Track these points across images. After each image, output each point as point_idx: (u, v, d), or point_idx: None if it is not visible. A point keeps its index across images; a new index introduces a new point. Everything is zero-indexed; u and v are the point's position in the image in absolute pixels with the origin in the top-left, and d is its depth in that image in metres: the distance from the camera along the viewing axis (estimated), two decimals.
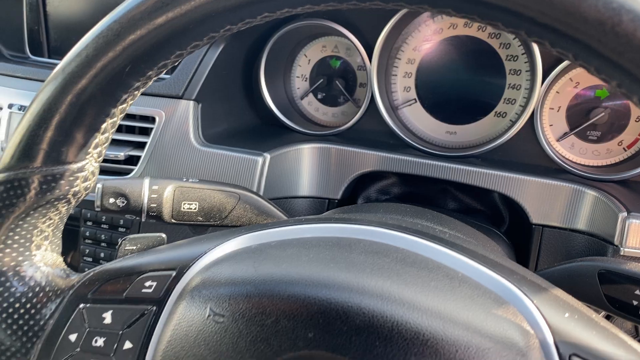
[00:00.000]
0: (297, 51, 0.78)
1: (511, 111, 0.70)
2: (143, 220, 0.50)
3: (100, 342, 0.36)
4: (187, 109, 0.67)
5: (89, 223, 0.72)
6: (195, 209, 0.50)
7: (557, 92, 0.67)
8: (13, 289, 0.38)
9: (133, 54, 0.32)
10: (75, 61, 0.33)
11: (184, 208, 0.50)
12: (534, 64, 0.64)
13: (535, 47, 0.63)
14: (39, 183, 0.35)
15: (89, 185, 0.37)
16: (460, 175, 0.65)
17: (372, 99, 0.72)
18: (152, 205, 0.49)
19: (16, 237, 0.37)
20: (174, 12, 0.31)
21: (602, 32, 0.24)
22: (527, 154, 0.68)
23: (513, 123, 0.67)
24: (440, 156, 0.68)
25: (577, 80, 0.66)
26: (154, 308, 0.35)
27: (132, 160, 0.68)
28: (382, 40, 0.68)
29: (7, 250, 0.37)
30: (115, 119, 0.36)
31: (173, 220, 0.50)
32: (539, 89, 0.65)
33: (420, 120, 0.74)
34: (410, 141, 0.70)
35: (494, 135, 0.70)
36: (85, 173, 0.36)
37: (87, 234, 0.72)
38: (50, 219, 0.38)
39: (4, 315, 0.38)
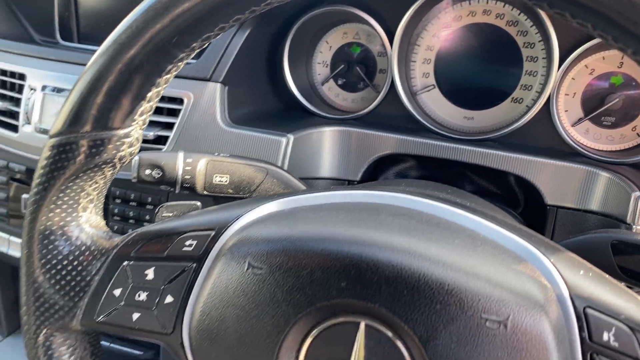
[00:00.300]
0: (318, 38, 0.80)
1: (527, 97, 0.71)
2: (177, 191, 0.52)
3: (143, 296, 0.39)
4: (215, 91, 0.69)
5: (118, 201, 0.75)
6: (226, 181, 0.53)
7: (572, 78, 0.69)
8: (60, 248, 0.40)
9: (180, 26, 0.35)
10: (126, 32, 0.35)
11: (215, 180, 0.52)
12: (550, 51, 0.66)
13: (553, 35, 0.65)
14: (88, 147, 0.38)
15: (133, 151, 0.40)
16: (478, 158, 0.67)
17: (392, 85, 0.74)
18: (186, 177, 0.51)
19: (65, 199, 0.40)
20: None
21: (620, 3, 0.27)
22: (542, 139, 0.70)
23: (529, 108, 0.69)
24: (458, 140, 0.70)
25: (592, 67, 0.68)
26: (194, 265, 0.38)
27: (161, 140, 0.71)
28: (403, 27, 0.70)
29: (57, 210, 0.40)
30: (159, 88, 0.38)
31: (205, 192, 0.52)
32: (555, 76, 0.66)
33: (438, 106, 0.76)
34: (428, 125, 0.72)
35: (510, 120, 0.72)
36: (131, 139, 0.39)
37: (116, 211, 0.75)
38: (96, 183, 0.41)
39: (52, 272, 0.40)
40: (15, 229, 0.83)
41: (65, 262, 0.40)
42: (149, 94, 0.38)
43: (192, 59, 0.72)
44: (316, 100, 0.81)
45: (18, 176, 0.82)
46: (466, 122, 0.75)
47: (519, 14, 0.69)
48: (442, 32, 0.74)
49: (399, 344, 0.32)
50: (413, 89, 0.76)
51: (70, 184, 0.39)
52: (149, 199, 0.73)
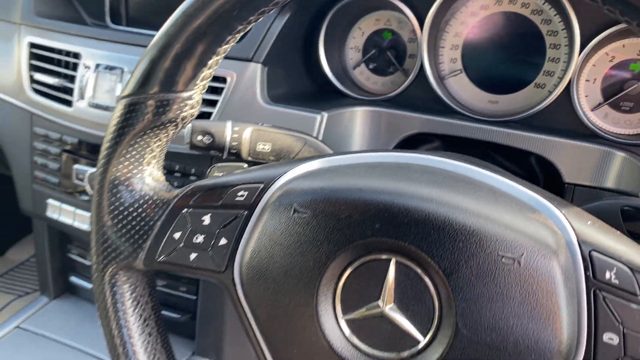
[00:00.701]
0: (352, 24, 0.85)
1: (550, 82, 0.75)
2: (224, 157, 0.58)
3: (200, 239, 0.44)
4: (255, 71, 0.75)
5: (164, 172, 0.81)
6: (268, 149, 0.58)
7: (593, 65, 0.72)
8: (126, 197, 0.46)
9: (240, 0, 0.40)
10: (194, 5, 0.41)
11: (258, 148, 0.58)
12: (572, 39, 0.70)
13: (575, 23, 0.69)
14: (155, 107, 0.44)
15: (194, 113, 0.46)
16: (501, 137, 0.71)
17: (421, 69, 0.78)
18: (233, 143, 0.57)
19: (133, 153, 0.46)
20: None
21: None
22: (563, 122, 0.74)
23: (550, 93, 0.73)
24: (483, 121, 0.74)
25: (612, 55, 0.71)
26: (246, 212, 0.43)
27: (204, 117, 0.76)
28: (433, 14, 0.74)
29: (125, 163, 0.46)
30: (219, 57, 0.43)
31: (249, 158, 0.58)
32: (575, 62, 0.70)
33: (464, 90, 0.80)
34: (455, 107, 0.77)
35: (533, 104, 0.76)
36: (192, 101, 0.45)
37: None
38: (160, 140, 0.46)
39: (119, 218, 0.46)
40: (67, 198, 0.90)
41: (130, 209, 0.46)
42: (210, 61, 0.43)
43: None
44: (348, 83, 0.86)
45: (70, 148, 0.89)
46: (490, 105, 0.79)
47: (544, 3, 0.73)
48: (470, 19, 0.78)
49: (425, 277, 0.37)
50: (441, 73, 0.81)
51: (138, 139, 0.45)
52: (193, 170, 0.78)
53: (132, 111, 0.44)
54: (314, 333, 0.39)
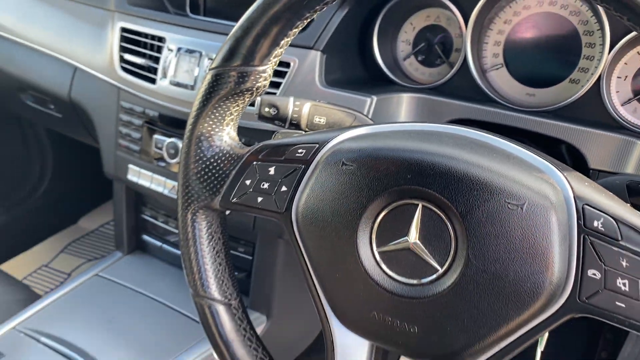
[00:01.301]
0: (404, 19, 0.94)
1: (584, 78, 0.82)
2: (286, 127, 0.68)
3: (265, 185, 0.54)
4: (315, 58, 0.85)
5: None
6: (323, 122, 0.68)
7: (625, 63, 0.78)
8: (209, 150, 0.57)
9: None
10: None
11: (315, 121, 0.67)
12: (604, 39, 0.76)
13: (606, 24, 0.75)
14: (236, 77, 0.54)
15: (266, 84, 0.56)
16: (535, 126, 0.78)
17: (464, 62, 0.86)
18: (294, 115, 0.67)
19: (216, 114, 0.56)
20: None
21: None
22: (593, 114, 0.80)
23: (583, 87, 0.79)
24: (519, 110, 0.81)
25: None
26: (303, 166, 0.53)
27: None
28: (477, 12, 0.82)
29: (210, 122, 0.57)
30: (289, 39, 0.54)
31: (307, 129, 0.68)
32: (605, 59, 0.77)
33: (504, 82, 0.88)
34: (494, 97, 0.84)
35: (566, 98, 0.82)
36: (265, 74, 0.55)
37: None
38: (238, 105, 0.57)
39: (202, 166, 0.57)
40: (145, 164, 1.03)
41: (211, 160, 0.57)
42: (282, 42, 0.53)
43: (300, 31, 0.88)
44: (398, 72, 0.95)
45: (150, 120, 1.02)
46: (528, 97, 0.86)
47: (581, 6, 0.80)
48: (513, 18, 0.85)
49: (445, 218, 0.45)
50: (484, 66, 0.88)
51: (221, 103, 0.56)
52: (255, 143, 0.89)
53: (217, 80, 0.55)
54: (353, 261, 0.48)
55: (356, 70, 0.93)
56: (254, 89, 0.55)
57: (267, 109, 0.67)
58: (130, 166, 1.05)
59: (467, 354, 0.46)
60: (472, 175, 0.45)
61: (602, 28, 0.77)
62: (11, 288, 1.13)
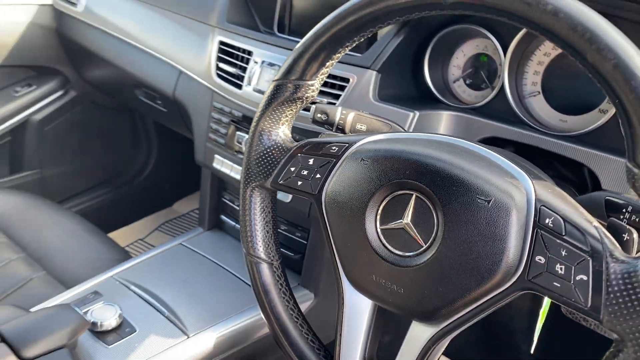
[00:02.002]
0: (456, 46, 1.06)
1: (611, 109, 0.90)
2: (333, 131, 0.83)
3: (304, 172, 0.69)
4: (371, 76, 0.99)
5: None
6: (364, 129, 0.82)
7: None
8: (267, 142, 0.73)
9: (358, 23, 0.63)
10: (321, 29, 0.66)
11: (357, 127, 0.82)
12: None
13: None
14: (292, 88, 0.70)
15: (314, 94, 0.71)
16: (558, 148, 0.87)
17: (502, 88, 0.97)
18: (340, 122, 0.82)
19: (274, 115, 0.72)
20: (386, 4, 0.60)
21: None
22: (613, 142, 0.88)
23: (605, 116, 0.88)
24: (547, 134, 0.91)
25: None
26: (334, 159, 0.68)
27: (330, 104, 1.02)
28: (514, 45, 0.93)
29: (269, 121, 0.73)
30: (333, 61, 0.69)
31: (350, 134, 0.82)
32: None
33: (540, 108, 0.97)
34: (528, 121, 0.94)
35: (592, 124, 0.91)
36: (314, 87, 0.70)
37: None
38: (292, 110, 0.73)
39: (258, 155, 0.73)
40: (228, 155, 1.22)
41: (267, 150, 0.73)
42: (327, 63, 0.68)
43: (359, 52, 1.03)
44: (446, 93, 1.07)
45: (235, 119, 1.21)
46: (560, 123, 0.95)
47: None
48: (552, 52, 0.95)
49: (431, 207, 0.58)
50: (522, 93, 0.98)
51: (279, 107, 0.72)
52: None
53: (278, 89, 0.71)
54: (361, 235, 0.62)
55: (407, 88, 1.06)
56: (304, 97, 0.71)
57: (319, 115, 0.82)
58: (216, 156, 1.25)
59: (439, 314, 0.58)
60: (454, 174, 0.57)
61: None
62: (113, 249, 1.36)
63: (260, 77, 1.13)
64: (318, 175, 0.69)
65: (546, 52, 0.95)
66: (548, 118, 0.96)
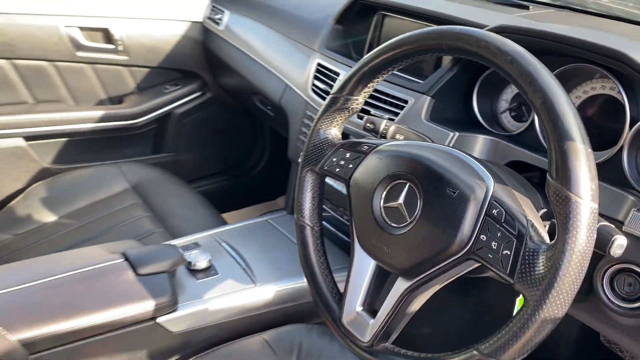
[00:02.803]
0: (506, 84, 1.23)
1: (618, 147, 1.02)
2: (378, 138, 1.05)
3: (342, 162, 0.93)
4: (425, 100, 1.20)
5: None
6: (401, 139, 1.04)
7: None
8: (321, 139, 0.98)
9: (385, 61, 0.87)
10: (367, 59, 0.90)
11: (396, 137, 1.04)
12: (625, 115, 0.97)
13: (627, 102, 0.96)
14: (342, 101, 0.94)
15: (359, 107, 0.94)
16: None
17: (532, 121, 1.13)
18: (383, 131, 1.04)
19: (328, 120, 0.97)
20: (424, 41, 0.83)
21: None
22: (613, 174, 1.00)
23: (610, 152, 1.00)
24: None
25: None
26: (364, 155, 0.90)
27: (391, 118, 1.25)
28: None
29: (324, 123, 0.97)
30: (374, 84, 0.92)
31: (381, 139, 1.04)
32: (625, 134, 0.97)
33: None
34: None
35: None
36: (359, 101, 0.94)
37: None
38: (342, 117, 0.97)
39: (314, 147, 0.98)
40: None
41: (321, 143, 0.98)
42: (369, 85, 0.92)
43: (419, 79, 1.24)
44: (492, 122, 1.24)
45: None
46: None
47: (618, 92, 1.01)
48: (582, 95, 1.09)
49: (417, 193, 0.79)
50: None
51: (332, 114, 0.96)
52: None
53: (333, 101, 0.96)
54: (369, 209, 0.85)
55: (458, 113, 1.25)
56: (351, 108, 0.95)
57: (368, 124, 1.06)
58: (301, 153, 1.52)
59: (412, 271, 0.79)
60: (435, 170, 0.78)
61: (624, 105, 0.98)
62: (216, 219, 1.69)
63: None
64: (350, 166, 0.92)
65: (577, 94, 1.10)
66: None
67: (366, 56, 0.89)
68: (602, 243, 0.71)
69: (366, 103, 1.32)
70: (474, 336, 0.78)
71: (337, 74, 1.44)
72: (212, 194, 2.39)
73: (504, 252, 0.70)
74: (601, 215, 0.93)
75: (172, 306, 1.14)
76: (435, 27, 0.81)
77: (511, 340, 0.67)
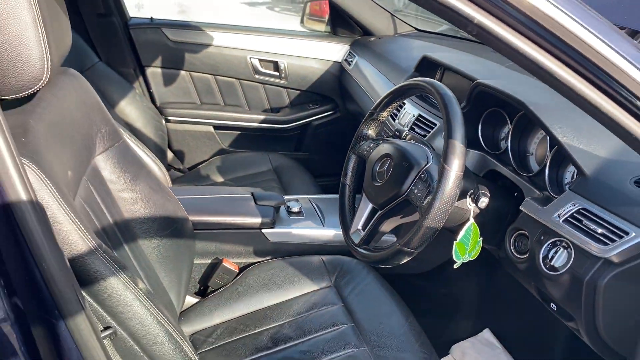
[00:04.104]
0: (505, 122, 1.78)
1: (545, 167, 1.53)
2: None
3: (367, 149, 1.61)
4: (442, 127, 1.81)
5: None
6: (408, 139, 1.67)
7: None
8: (363, 134, 1.66)
9: (393, 97, 1.54)
10: (386, 93, 1.57)
11: (407, 139, 1.67)
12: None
13: None
14: (375, 115, 1.63)
15: (384, 119, 1.62)
16: (516, 180, 1.57)
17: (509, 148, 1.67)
18: (404, 136, 1.68)
19: (366, 124, 1.66)
20: (408, 87, 1.50)
21: None
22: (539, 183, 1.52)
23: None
24: (519, 173, 1.60)
25: None
26: (377, 145, 1.58)
27: (424, 134, 1.88)
28: (513, 126, 1.64)
29: (365, 128, 1.66)
30: (391, 109, 1.59)
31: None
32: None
33: (533, 164, 1.64)
34: (514, 166, 1.64)
35: None
36: (383, 116, 1.61)
37: None
38: (374, 124, 1.65)
39: (356, 139, 1.67)
40: None
41: (360, 137, 1.66)
42: (389, 108, 1.59)
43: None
44: (491, 144, 1.79)
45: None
46: (532, 168, 1.61)
47: None
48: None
49: (392, 165, 1.44)
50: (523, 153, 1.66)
51: (368, 122, 1.65)
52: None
53: (370, 114, 1.65)
54: (369, 173, 1.51)
55: (471, 135, 1.82)
56: (379, 119, 1.62)
57: (405, 134, 1.71)
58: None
59: (382, 204, 1.43)
60: (402, 153, 1.43)
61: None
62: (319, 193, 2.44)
63: (401, 118, 2.04)
64: (371, 150, 1.59)
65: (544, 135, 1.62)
66: (529, 165, 1.63)
67: (386, 93, 1.57)
68: (464, 193, 1.30)
69: (413, 123, 1.96)
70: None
71: (403, 104, 2.10)
72: (328, 187, 3.14)
73: (419, 194, 1.32)
74: (534, 199, 1.47)
75: (271, 225, 1.89)
76: (415, 79, 1.45)
77: (412, 237, 1.29)
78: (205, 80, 2.89)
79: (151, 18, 2.78)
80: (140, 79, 2.77)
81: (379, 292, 1.74)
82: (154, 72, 2.79)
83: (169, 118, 2.86)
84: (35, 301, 0.75)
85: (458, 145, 1.26)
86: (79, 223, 0.92)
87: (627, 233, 1.15)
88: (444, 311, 2.19)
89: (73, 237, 0.91)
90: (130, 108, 2.48)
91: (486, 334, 2.10)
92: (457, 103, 1.31)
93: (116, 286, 0.99)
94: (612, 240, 1.17)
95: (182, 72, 2.84)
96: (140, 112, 2.48)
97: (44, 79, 0.95)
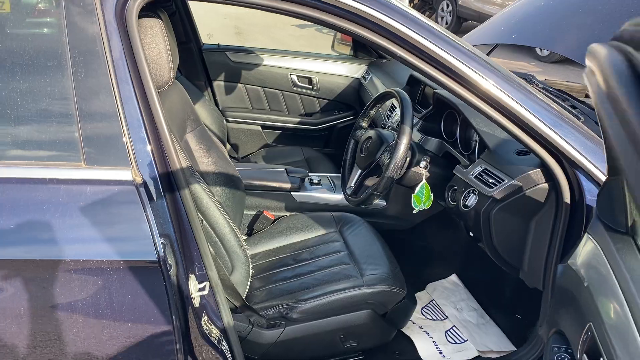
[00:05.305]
0: (456, 121, 2.49)
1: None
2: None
3: (358, 134, 2.37)
4: (419, 122, 2.54)
5: None
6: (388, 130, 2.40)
7: None
8: (358, 124, 2.42)
9: (376, 102, 2.29)
10: (370, 101, 2.32)
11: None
12: None
13: None
14: (367, 112, 2.38)
15: (372, 116, 2.36)
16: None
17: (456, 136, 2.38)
18: (388, 128, 2.42)
19: (360, 119, 2.42)
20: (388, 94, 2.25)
21: None
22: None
23: None
24: (462, 153, 2.31)
25: None
26: (365, 131, 2.33)
27: None
28: (461, 119, 2.36)
29: (360, 119, 2.42)
30: (375, 111, 2.34)
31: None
32: None
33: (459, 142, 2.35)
34: (459, 146, 2.35)
35: None
36: (372, 113, 2.36)
37: None
38: (366, 119, 2.40)
39: (355, 128, 2.43)
40: None
41: (355, 128, 2.42)
42: (374, 108, 2.34)
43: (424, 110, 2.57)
44: (450, 135, 2.49)
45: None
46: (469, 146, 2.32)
47: None
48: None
49: (375, 142, 2.19)
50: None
51: (362, 117, 2.40)
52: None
53: (363, 112, 2.40)
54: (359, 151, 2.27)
55: (434, 129, 2.54)
56: (369, 115, 2.38)
57: (389, 129, 2.46)
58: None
59: (365, 167, 2.18)
60: (378, 136, 2.17)
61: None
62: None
63: (393, 117, 2.77)
64: (362, 135, 2.34)
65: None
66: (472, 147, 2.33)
67: (372, 98, 2.32)
68: (418, 162, 2.03)
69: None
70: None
71: (394, 107, 2.83)
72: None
73: (385, 160, 2.07)
74: (461, 166, 2.19)
75: (297, 189, 2.67)
76: (389, 89, 2.20)
77: (379, 184, 2.04)
78: (256, 91, 3.72)
79: (218, 44, 3.64)
80: (209, 89, 3.63)
81: (369, 236, 2.47)
82: (219, 84, 3.64)
83: (228, 119, 3.70)
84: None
85: (407, 128, 2.00)
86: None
87: (503, 180, 1.85)
88: (422, 259, 2.89)
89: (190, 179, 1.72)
90: (202, 110, 3.32)
91: (453, 277, 2.79)
92: (410, 104, 2.04)
93: (205, 198, 1.79)
94: (496, 185, 1.87)
95: (239, 85, 3.68)
96: (208, 113, 3.31)
97: (170, 82, 1.77)
